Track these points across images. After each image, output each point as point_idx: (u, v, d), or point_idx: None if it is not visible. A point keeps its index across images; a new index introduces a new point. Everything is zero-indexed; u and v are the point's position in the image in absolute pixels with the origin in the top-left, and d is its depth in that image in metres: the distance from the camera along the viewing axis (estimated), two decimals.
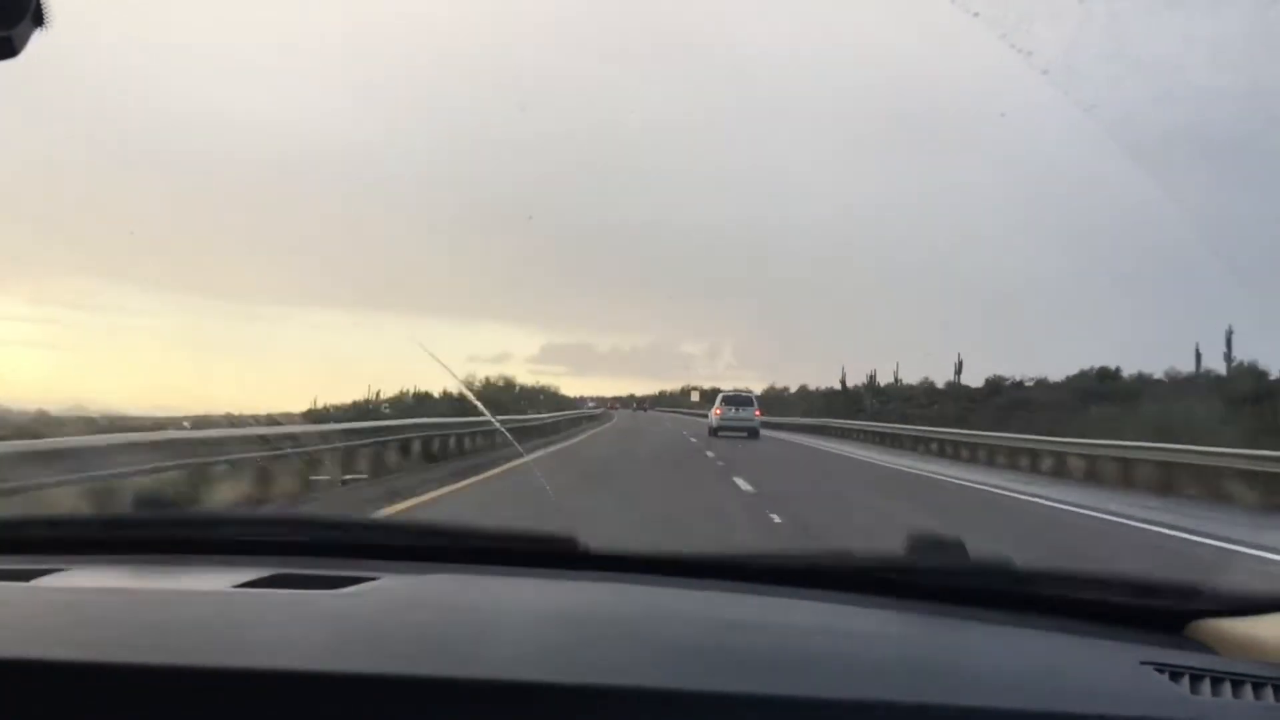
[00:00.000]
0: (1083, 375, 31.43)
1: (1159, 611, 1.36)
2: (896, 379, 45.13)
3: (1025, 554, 1.79)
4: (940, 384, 40.68)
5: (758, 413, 33.46)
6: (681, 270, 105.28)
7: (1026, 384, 34.35)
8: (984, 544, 1.49)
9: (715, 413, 33.57)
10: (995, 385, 35.95)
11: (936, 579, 1.41)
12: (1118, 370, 30.15)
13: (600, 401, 75.11)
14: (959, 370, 38.22)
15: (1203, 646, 1.27)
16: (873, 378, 46.71)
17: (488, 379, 40.81)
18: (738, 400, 34.07)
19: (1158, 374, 27.20)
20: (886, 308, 69.06)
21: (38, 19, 0.84)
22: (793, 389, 62.88)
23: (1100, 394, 27.18)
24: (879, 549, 1.51)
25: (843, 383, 51.80)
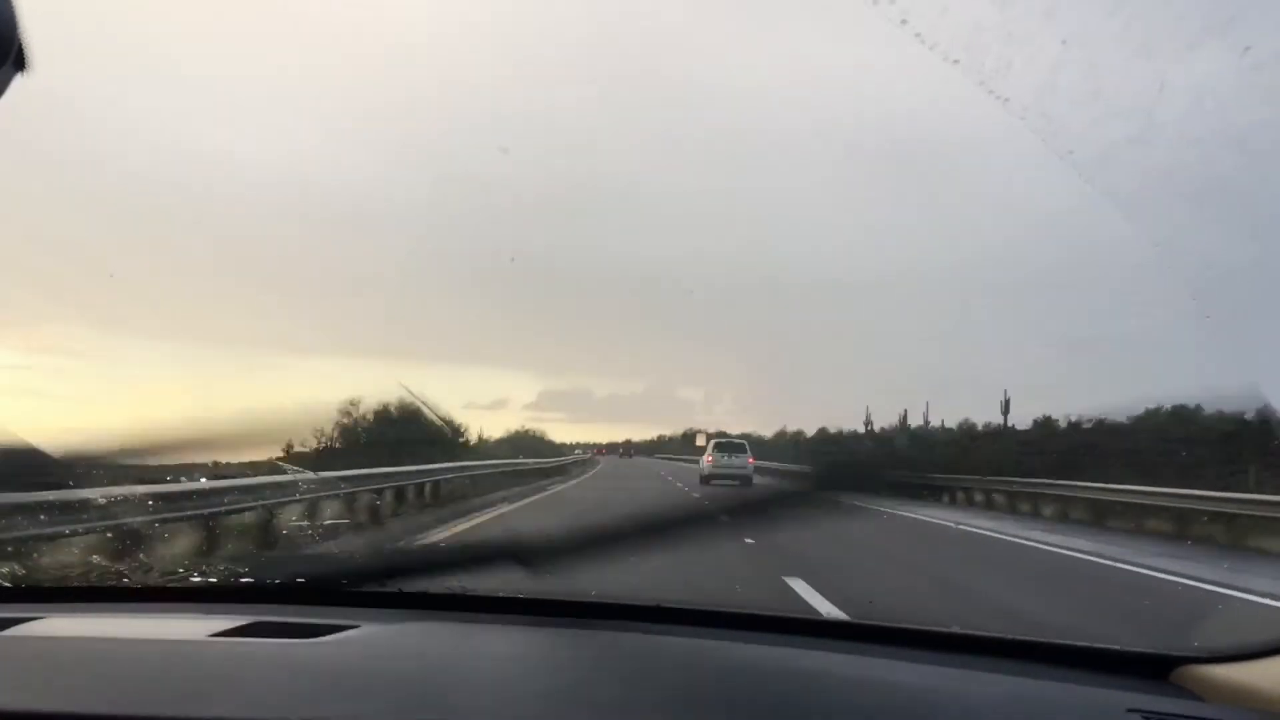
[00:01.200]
0: (1150, 414, 29.16)
1: (1145, 658, 1.37)
2: (926, 420, 42.92)
3: None
4: (979, 425, 38.47)
5: (750, 460, 32.07)
6: (680, 312, 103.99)
7: (1085, 425, 32.05)
8: None
9: (706, 460, 32.06)
10: (1048, 427, 33.70)
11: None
12: (1198, 408, 27.82)
13: (589, 448, 75.92)
14: (1006, 410, 35.83)
15: (1189, 693, 1.27)
16: (904, 418, 44.54)
17: (385, 406, 23.74)
18: (730, 446, 32.61)
19: (1248, 413, 24.80)
20: (908, 347, 67.10)
21: (19, 64, 0.80)
22: (809, 432, 60.11)
23: (1180, 437, 24.92)
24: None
25: (867, 424, 49.65)
